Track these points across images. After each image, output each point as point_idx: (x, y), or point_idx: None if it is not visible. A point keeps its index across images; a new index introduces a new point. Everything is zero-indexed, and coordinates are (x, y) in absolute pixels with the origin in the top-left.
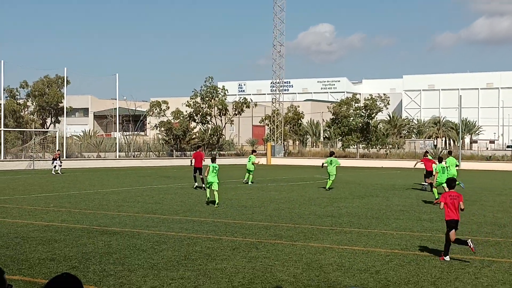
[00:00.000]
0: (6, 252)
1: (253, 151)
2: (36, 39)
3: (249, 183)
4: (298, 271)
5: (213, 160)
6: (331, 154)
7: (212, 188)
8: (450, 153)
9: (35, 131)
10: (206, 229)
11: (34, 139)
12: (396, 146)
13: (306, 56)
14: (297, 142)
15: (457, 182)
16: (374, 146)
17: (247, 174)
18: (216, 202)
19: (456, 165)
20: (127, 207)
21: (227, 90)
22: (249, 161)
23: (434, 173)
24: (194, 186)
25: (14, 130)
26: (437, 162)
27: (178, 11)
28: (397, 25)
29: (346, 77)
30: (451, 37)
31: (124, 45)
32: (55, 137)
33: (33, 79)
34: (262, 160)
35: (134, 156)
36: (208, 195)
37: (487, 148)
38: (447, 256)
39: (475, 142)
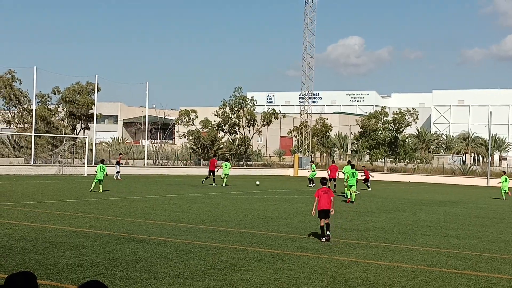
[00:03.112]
0: (35, 257)
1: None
2: (69, 46)
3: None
4: (323, 284)
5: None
6: (351, 165)
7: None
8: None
9: (65, 136)
10: (232, 239)
11: (64, 144)
12: (424, 161)
13: (335, 69)
14: (325, 154)
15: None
16: (402, 161)
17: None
18: None
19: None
20: (154, 215)
21: (255, 100)
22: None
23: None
24: (203, 180)
25: (45, 136)
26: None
27: (209, 21)
28: (426, 39)
29: (375, 90)
30: (481, 52)
31: (154, 53)
32: (85, 143)
33: (64, 85)
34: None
35: (161, 164)
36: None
37: None
38: (323, 238)
39: (505, 159)
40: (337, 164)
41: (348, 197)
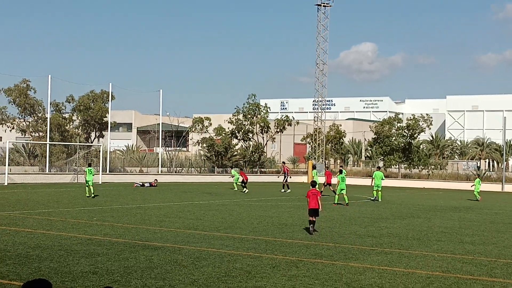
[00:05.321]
0: (50, 265)
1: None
2: (83, 54)
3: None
4: None
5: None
6: (378, 168)
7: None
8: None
9: (79, 145)
10: (246, 246)
11: (78, 152)
12: (439, 166)
13: (348, 75)
14: (339, 161)
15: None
16: (416, 167)
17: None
18: None
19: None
20: (169, 223)
21: (269, 107)
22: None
23: (336, 182)
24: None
25: (59, 144)
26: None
27: (222, 29)
28: (439, 45)
29: (388, 96)
30: (495, 57)
31: (168, 61)
32: (99, 151)
33: (79, 93)
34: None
35: (176, 172)
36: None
37: None
38: (311, 229)
39: None
40: (351, 170)
41: (376, 198)
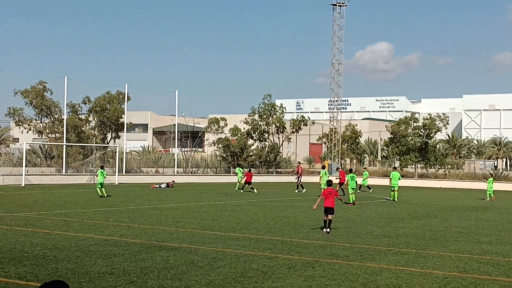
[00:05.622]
0: (67, 265)
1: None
2: (99, 56)
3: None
4: None
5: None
6: (394, 168)
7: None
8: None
9: (96, 146)
10: (262, 246)
11: (94, 153)
12: (455, 166)
13: (364, 75)
14: (355, 161)
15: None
16: (432, 166)
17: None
18: None
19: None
20: (185, 223)
21: (285, 108)
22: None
23: (345, 182)
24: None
25: (76, 145)
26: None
27: (237, 29)
28: (455, 44)
29: (404, 96)
30: (511, 56)
31: (183, 62)
32: (115, 152)
33: (95, 95)
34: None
35: (191, 172)
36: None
37: None
38: (324, 229)
39: None
40: (368, 170)
41: (393, 199)
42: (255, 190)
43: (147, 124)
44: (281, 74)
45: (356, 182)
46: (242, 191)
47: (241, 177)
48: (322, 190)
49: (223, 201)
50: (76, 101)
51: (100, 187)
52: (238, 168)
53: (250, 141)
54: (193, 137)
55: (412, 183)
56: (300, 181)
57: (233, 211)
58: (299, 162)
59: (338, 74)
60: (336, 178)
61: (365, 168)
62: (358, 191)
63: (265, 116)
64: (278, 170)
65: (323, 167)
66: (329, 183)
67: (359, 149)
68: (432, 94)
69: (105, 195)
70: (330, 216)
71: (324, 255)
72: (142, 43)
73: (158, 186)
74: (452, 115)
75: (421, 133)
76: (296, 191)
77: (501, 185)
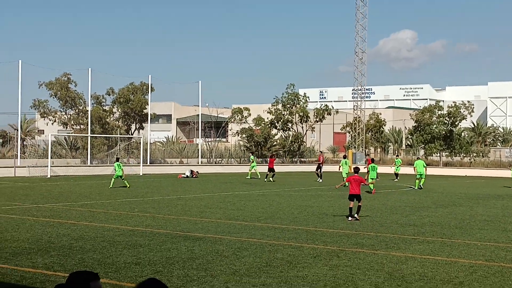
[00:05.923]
0: (93, 256)
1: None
2: (123, 47)
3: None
4: (380, 280)
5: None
6: (418, 158)
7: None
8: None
9: (120, 137)
10: (287, 236)
11: (119, 144)
12: (481, 154)
13: (387, 63)
14: (379, 150)
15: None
16: (457, 154)
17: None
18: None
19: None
20: (209, 213)
21: (308, 97)
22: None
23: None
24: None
25: (100, 136)
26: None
27: (260, 19)
28: (480, 31)
29: (428, 84)
30: None
31: (207, 52)
32: (140, 143)
33: (119, 86)
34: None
35: (215, 163)
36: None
37: None
38: (349, 217)
39: None
40: (392, 159)
41: (417, 187)
42: (271, 178)
43: (171, 114)
44: (304, 63)
45: (376, 172)
46: (265, 179)
47: (254, 166)
48: (344, 179)
49: (248, 191)
50: (100, 93)
51: (117, 178)
52: (252, 156)
53: (274, 131)
54: (217, 127)
55: (437, 172)
56: (321, 171)
57: (258, 201)
58: (321, 151)
59: (361, 62)
60: (364, 167)
61: (397, 156)
62: (396, 180)
63: (288, 106)
64: (302, 159)
65: (344, 157)
66: (356, 170)
67: (383, 138)
68: (457, 82)
69: (128, 186)
70: (359, 202)
71: (349, 244)
72: (165, 34)
73: (185, 175)
74: (477, 103)
75: (445, 121)
76: (320, 180)
77: None
